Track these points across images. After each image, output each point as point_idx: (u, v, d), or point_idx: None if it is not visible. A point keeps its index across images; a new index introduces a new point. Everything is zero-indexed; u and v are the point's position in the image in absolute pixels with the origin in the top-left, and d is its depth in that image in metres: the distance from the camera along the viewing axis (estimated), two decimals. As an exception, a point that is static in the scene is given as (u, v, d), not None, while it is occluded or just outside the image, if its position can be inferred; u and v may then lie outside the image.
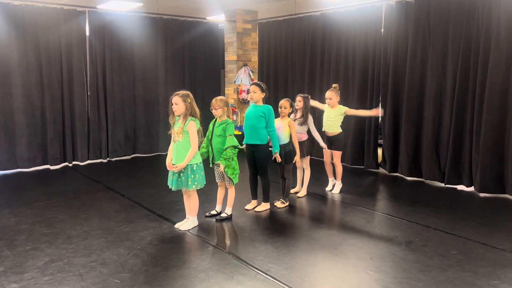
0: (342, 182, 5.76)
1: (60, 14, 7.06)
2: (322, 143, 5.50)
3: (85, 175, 6.65)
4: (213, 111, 4.44)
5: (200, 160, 4.21)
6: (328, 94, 5.50)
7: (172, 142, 4.18)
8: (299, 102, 5.30)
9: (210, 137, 4.49)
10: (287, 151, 4.89)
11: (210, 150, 4.48)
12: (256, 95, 4.74)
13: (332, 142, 5.57)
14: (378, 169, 7.04)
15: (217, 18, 8.94)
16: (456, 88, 5.81)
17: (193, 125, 4.05)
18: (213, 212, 4.73)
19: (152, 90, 8.21)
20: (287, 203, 5.14)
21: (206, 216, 4.68)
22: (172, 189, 4.21)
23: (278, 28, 8.49)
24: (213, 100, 4.41)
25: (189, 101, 4.05)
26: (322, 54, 7.69)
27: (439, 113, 6.09)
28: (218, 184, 4.68)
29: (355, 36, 7.09)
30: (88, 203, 5.19)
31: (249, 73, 8.51)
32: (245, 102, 8.68)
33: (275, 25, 8.54)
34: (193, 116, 4.08)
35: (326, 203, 5.11)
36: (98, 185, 6.08)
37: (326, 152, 5.64)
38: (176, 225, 4.37)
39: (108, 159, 7.79)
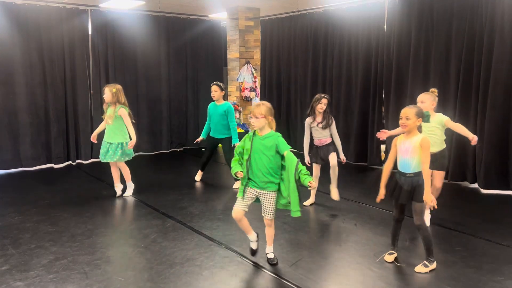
0: (345, 183, 5.73)
1: (63, 12, 7.06)
2: (342, 155, 4.86)
3: (89, 174, 6.67)
4: (252, 121, 3.32)
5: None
6: (421, 97, 4.30)
7: (104, 123, 5.22)
8: (324, 105, 4.72)
9: (248, 155, 3.33)
10: (416, 184, 3.30)
11: (246, 171, 3.35)
12: (217, 94, 5.63)
13: (433, 160, 3.93)
14: (382, 166, 7.02)
15: (219, 15, 8.93)
16: (460, 84, 5.78)
17: (124, 111, 5.10)
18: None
19: (155, 88, 8.21)
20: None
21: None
22: (102, 160, 5.21)
23: (280, 25, 8.48)
24: (255, 107, 3.31)
25: (114, 91, 5.05)
26: (324, 51, 7.67)
27: (442, 109, 6.06)
28: (239, 210, 3.42)
29: (357, 33, 7.06)
30: (92, 202, 5.20)
31: (251, 71, 8.50)
32: (248, 100, 8.67)
33: (278, 22, 8.52)
34: (122, 104, 5.10)
35: (330, 201, 5.10)
36: (102, 183, 6.09)
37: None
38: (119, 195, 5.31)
39: (111, 157, 7.80)
